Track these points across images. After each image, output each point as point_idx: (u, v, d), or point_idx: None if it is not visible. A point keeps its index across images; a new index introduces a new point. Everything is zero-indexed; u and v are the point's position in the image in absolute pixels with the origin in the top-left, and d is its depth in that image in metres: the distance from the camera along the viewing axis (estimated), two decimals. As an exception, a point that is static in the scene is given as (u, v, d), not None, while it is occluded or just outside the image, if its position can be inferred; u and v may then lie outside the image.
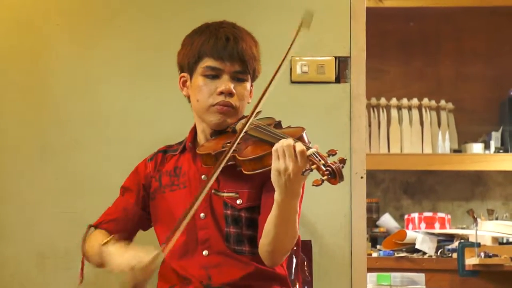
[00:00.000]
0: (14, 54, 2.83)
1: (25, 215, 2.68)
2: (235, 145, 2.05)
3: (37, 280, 2.75)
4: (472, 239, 4.04)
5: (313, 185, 1.87)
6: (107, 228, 2.29)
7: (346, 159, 1.91)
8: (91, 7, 2.84)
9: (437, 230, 4.36)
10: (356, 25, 2.80)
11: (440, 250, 4.12)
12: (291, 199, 1.99)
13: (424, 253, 4.11)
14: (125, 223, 2.30)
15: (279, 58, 2.79)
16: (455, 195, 4.80)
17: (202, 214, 2.19)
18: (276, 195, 1.99)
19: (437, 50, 4.86)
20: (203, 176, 2.22)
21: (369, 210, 4.14)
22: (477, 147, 4.63)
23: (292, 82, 2.80)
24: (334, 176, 1.87)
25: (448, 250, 4.11)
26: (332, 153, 1.92)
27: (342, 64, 2.81)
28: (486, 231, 4.12)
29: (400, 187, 4.83)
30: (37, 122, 2.80)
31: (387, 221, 4.57)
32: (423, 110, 4.76)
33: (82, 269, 2.31)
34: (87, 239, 2.28)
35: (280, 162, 1.94)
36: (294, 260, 2.37)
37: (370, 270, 3.00)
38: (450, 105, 4.79)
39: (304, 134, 2.07)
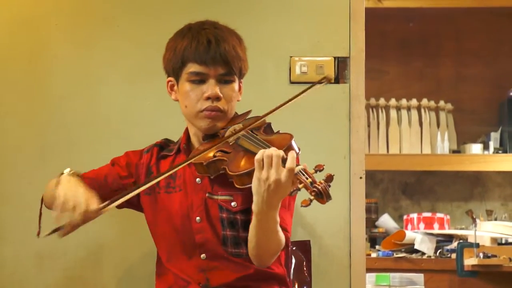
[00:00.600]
0: (14, 54, 2.82)
1: (25, 215, 2.68)
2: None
3: (35, 280, 2.74)
4: (471, 239, 4.04)
5: (301, 206, 1.86)
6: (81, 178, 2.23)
7: (333, 175, 1.87)
8: (90, 7, 2.84)
9: (436, 230, 4.37)
10: (356, 26, 2.80)
11: (439, 251, 4.12)
12: (269, 210, 1.97)
13: (423, 254, 4.11)
14: (99, 187, 2.24)
15: (278, 58, 2.81)
16: (454, 195, 4.80)
17: (198, 218, 2.18)
18: (253, 205, 1.97)
19: (437, 51, 4.86)
20: (197, 180, 2.21)
21: (368, 210, 4.12)
22: (476, 148, 4.63)
23: (291, 82, 2.79)
24: (322, 196, 1.85)
25: (447, 250, 4.12)
26: (319, 168, 1.90)
27: (342, 65, 2.80)
28: (485, 231, 4.13)
29: (399, 188, 4.83)
30: (37, 122, 2.79)
31: (386, 221, 4.57)
32: (422, 110, 4.76)
33: (40, 218, 2.28)
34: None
35: (263, 172, 1.92)
36: (294, 261, 2.36)
37: (369, 270, 3.00)
38: (449, 106, 4.79)
39: (293, 142, 2.05)
